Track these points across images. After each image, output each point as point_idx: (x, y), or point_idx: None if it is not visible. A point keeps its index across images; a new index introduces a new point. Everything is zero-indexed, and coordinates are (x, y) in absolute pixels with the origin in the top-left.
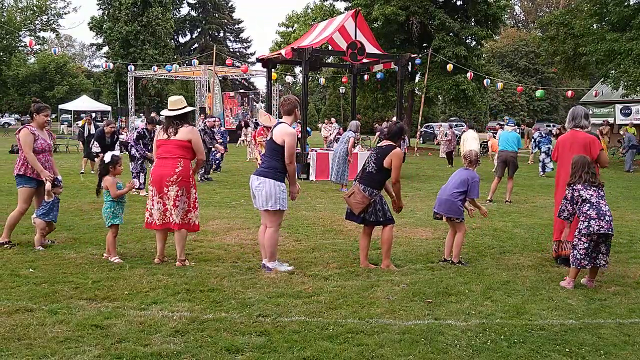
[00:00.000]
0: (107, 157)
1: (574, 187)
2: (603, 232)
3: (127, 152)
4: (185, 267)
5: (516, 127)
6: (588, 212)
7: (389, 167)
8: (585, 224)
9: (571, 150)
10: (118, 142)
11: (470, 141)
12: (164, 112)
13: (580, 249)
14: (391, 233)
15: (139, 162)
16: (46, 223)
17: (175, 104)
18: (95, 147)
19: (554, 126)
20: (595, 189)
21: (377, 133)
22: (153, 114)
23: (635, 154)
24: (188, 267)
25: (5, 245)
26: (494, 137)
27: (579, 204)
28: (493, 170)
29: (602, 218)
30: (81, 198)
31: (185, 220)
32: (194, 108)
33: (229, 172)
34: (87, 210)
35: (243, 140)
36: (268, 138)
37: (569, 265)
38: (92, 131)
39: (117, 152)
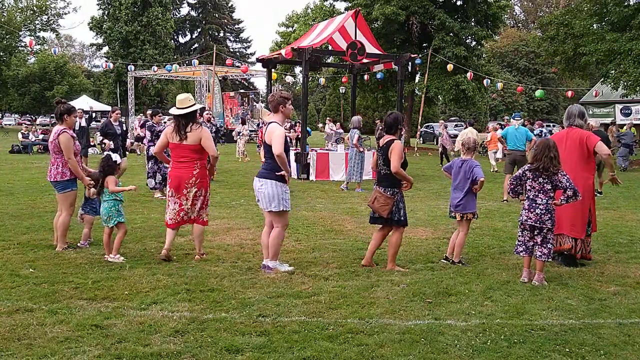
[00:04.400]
0: (116, 157)
1: (526, 170)
2: (530, 223)
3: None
4: (185, 267)
5: (522, 120)
6: (523, 202)
7: None
8: (521, 212)
9: (566, 147)
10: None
11: (468, 136)
12: (172, 111)
13: (518, 236)
14: (401, 237)
15: (156, 161)
16: (93, 218)
17: (183, 102)
18: (116, 155)
19: (554, 126)
20: (542, 179)
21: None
22: (149, 112)
23: (628, 153)
24: (188, 267)
25: (69, 249)
26: (500, 128)
27: (524, 190)
28: (492, 170)
29: (531, 210)
30: (79, 199)
31: (197, 216)
32: (202, 106)
33: (229, 172)
34: None
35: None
36: (263, 142)
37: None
38: (83, 124)
39: (117, 156)
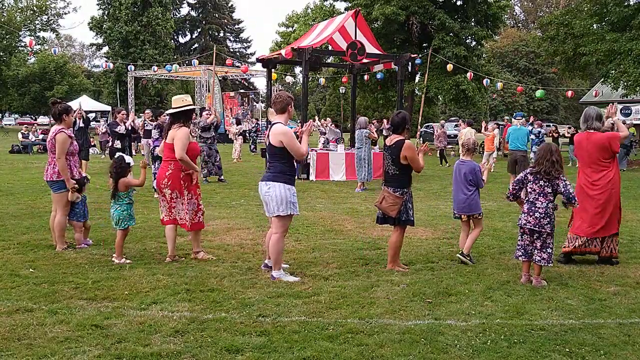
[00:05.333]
0: (129, 159)
1: (528, 173)
2: (529, 227)
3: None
4: (185, 267)
5: (524, 120)
6: (523, 206)
7: (406, 163)
8: (520, 216)
9: (587, 151)
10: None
11: (468, 137)
12: (168, 111)
13: (518, 240)
14: (401, 237)
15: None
16: (82, 223)
17: (176, 102)
18: (128, 157)
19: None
20: (543, 182)
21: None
22: (148, 111)
23: (624, 155)
24: (188, 267)
25: (69, 249)
26: (497, 128)
27: (525, 194)
28: (491, 171)
29: (530, 214)
30: None
31: (182, 220)
32: (193, 106)
33: (229, 172)
34: None
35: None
36: (267, 143)
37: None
38: (81, 125)
39: (130, 158)
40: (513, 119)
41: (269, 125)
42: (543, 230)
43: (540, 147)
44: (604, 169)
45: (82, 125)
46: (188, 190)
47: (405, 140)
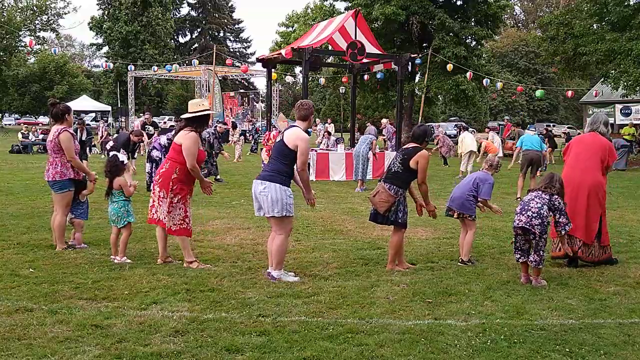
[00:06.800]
0: (122, 157)
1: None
2: (520, 225)
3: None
4: (185, 267)
5: (535, 130)
6: (516, 209)
7: (414, 167)
8: (514, 217)
9: (586, 149)
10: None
11: (468, 141)
12: (184, 115)
13: (515, 242)
14: (400, 239)
15: (157, 165)
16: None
17: (193, 106)
18: (122, 155)
19: (553, 126)
20: (539, 192)
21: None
22: (147, 115)
23: (624, 154)
24: (188, 267)
25: (69, 249)
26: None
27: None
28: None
29: (523, 213)
30: None
31: (164, 221)
32: (209, 112)
33: (229, 172)
34: None
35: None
36: (277, 140)
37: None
38: (84, 137)
39: (124, 156)
40: (527, 130)
41: (288, 127)
42: (533, 230)
43: (546, 173)
44: (594, 172)
45: (83, 139)
46: (174, 194)
47: (424, 150)
